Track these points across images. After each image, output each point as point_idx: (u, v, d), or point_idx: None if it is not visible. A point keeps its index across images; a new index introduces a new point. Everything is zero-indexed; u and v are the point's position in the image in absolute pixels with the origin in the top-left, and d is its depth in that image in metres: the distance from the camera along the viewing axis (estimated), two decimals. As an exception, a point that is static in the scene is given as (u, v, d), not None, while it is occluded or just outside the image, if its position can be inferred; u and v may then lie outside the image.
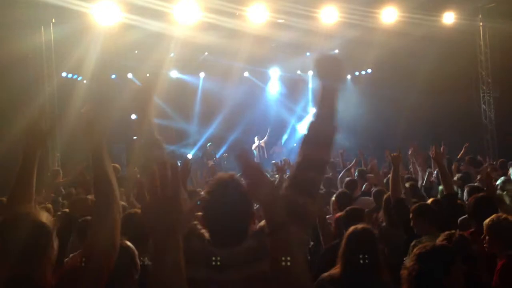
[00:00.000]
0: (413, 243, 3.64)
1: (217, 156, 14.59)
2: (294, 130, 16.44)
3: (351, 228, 3.04)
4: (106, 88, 12.63)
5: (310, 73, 16.17)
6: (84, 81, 11.70)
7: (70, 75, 11.87)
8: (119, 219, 1.92)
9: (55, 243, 1.90)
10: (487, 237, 3.28)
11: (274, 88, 16.59)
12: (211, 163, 12.52)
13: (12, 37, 8.83)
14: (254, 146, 14.75)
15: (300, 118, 16.52)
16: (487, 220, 3.33)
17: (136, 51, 12.67)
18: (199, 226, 2.00)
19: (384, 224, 4.37)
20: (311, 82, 16.23)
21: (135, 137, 6.78)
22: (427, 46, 11.87)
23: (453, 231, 3.22)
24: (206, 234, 1.96)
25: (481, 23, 12.67)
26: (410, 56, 12.41)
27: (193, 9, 10.02)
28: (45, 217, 1.89)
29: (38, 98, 9.64)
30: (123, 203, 4.24)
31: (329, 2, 10.75)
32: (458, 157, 8.55)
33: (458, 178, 5.73)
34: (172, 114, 15.03)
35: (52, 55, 10.26)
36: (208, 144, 14.08)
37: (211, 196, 1.97)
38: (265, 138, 14.93)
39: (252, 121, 15.64)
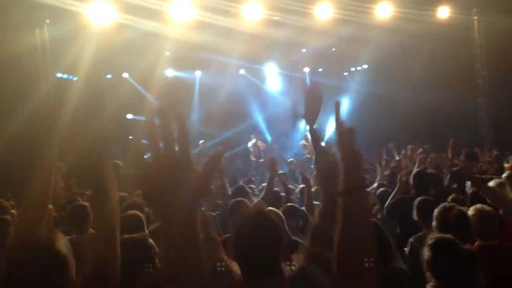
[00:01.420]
0: (411, 239, 3.77)
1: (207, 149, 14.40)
2: (292, 127, 16.32)
3: None
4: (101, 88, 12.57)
5: (306, 69, 16.19)
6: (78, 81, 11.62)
7: (65, 76, 11.82)
8: (117, 228, 1.88)
9: (73, 270, 1.75)
10: None
11: (270, 85, 16.56)
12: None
13: (6, 37, 8.79)
14: (250, 144, 14.73)
15: (297, 116, 16.43)
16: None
17: (131, 50, 12.61)
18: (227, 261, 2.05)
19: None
20: (308, 79, 16.23)
21: (130, 137, 6.77)
22: (422, 41, 11.86)
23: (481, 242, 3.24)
24: (237, 269, 1.95)
25: (475, 17, 12.69)
26: (406, 51, 12.41)
27: (188, 8, 10.01)
28: (61, 243, 1.74)
29: (33, 99, 9.61)
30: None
31: (324, -2, 10.76)
32: (450, 157, 8.48)
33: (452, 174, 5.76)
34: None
35: (47, 55, 10.22)
36: (201, 142, 13.99)
37: (241, 230, 1.96)
38: (268, 143, 14.90)
39: (248, 119, 15.61)
